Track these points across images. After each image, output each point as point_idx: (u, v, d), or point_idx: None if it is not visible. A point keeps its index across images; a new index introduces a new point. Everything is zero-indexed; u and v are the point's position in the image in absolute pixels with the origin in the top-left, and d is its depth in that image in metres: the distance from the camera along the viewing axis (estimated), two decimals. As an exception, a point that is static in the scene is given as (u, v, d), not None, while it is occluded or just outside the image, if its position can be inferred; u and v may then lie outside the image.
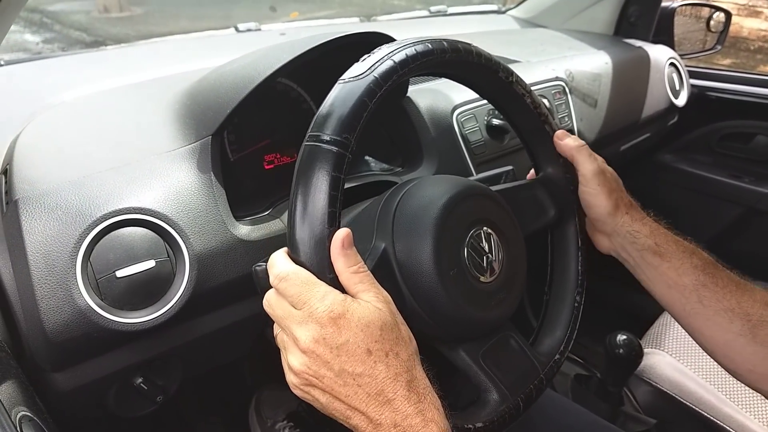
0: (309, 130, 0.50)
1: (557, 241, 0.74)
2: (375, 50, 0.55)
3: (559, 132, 0.70)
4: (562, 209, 0.72)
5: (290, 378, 0.48)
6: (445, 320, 0.56)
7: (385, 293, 0.49)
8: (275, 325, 0.50)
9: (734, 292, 0.63)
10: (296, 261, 0.49)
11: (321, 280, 0.47)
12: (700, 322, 0.64)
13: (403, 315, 0.51)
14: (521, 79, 0.67)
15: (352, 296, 0.48)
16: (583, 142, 0.70)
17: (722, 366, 0.65)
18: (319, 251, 0.48)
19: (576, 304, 0.70)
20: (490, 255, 0.59)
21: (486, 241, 0.59)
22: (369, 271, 0.49)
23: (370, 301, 0.47)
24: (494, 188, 0.67)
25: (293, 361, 0.47)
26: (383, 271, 0.55)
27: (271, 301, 0.49)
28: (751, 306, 0.62)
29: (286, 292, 0.48)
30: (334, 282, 0.48)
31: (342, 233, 0.48)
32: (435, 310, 0.56)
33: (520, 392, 0.60)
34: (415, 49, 0.55)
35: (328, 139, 0.49)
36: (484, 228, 0.60)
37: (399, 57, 0.54)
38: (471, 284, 0.57)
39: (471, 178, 0.82)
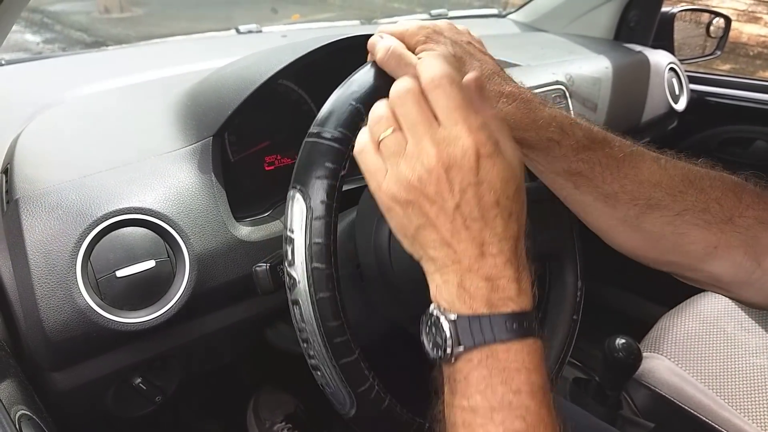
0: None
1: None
2: None
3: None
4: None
5: (389, 185, 0.41)
6: (401, 302, 0.58)
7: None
8: (381, 122, 0.42)
9: (615, 174, 0.54)
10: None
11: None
12: (578, 208, 0.58)
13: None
14: None
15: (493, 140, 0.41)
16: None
17: (613, 245, 0.58)
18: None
19: (575, 318, 0.68)
20: None
21: None
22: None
23: (515, 156, 0.41)
24: None
25: (408, 170, 0.40)
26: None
27: (404, 98, 0.41)
28: (636, 188, 0.54)
29: (438, 100, 0.41)
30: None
31: (472, 76, 0.43)
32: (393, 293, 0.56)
33: None
34: None
35: (329, 136, 0.48)
36: None
37: None
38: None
39: None
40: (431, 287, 0.42)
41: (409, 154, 0.41)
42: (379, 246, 0.60)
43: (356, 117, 0.48)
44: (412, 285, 0.55)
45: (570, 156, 0.54)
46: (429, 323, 0.42)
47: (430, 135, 0.40)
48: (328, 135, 0.48)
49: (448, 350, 0.40)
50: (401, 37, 0.52)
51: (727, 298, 1.12)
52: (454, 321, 0.40)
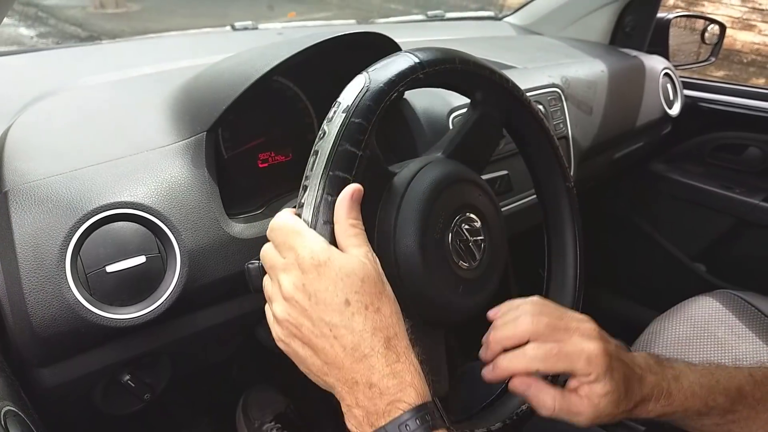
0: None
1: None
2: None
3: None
4: None
5: (274, 329, 0.48)
6: (424, 303, 0.57)
7: (375, 255, 0.49)
8: (265, 277, 0.50)
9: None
10: (297, 214, 0.50)
11: (314, 228, 0.48)
12: None
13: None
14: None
15: (343, 248, 0.47)
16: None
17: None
18: (318, 198, 0.49)
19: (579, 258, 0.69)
20: (475, 239, 0.60)
21: (470, 226, 0.60)
22: (364, 231, 0.49)
23: (357, 255, 0.47)
24: (450, 142, 0.67)
25: (276, 309, 0.47)
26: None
27: (265, 251, 0.50)
28: None
29: (275, 240, 0.48)
30: (327, 231, 0.48)
31: (354, 186, 0.48)
32: (415, 292, 0.56)
33: None
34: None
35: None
36: (470, 214, 0.61)
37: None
38: (452, 269, 0.58)
39: None
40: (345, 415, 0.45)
41: (275, 295, 0.47)
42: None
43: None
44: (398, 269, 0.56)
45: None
46: None
47: (279, 269, 0.47)
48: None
49: None
50: None
51: (717, 303, 1.13)
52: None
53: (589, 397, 0.53)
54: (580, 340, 0.53)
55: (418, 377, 0.45)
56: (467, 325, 0.62)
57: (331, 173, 0.49)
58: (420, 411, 0.43)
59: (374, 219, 0.57)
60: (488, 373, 0.55)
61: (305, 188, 0.50)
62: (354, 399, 0.44)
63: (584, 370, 0.52)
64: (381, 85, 0.53)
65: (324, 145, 0.50)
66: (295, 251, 0.46)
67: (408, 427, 0.42)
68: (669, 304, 1.17)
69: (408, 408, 0.43)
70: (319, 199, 0.49)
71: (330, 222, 0.48)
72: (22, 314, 0.56)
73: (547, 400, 0.53)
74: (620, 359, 0.54)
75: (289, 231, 0.47)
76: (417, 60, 0.56)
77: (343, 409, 0.45)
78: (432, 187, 0.57)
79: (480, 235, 0.61)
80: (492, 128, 0.69)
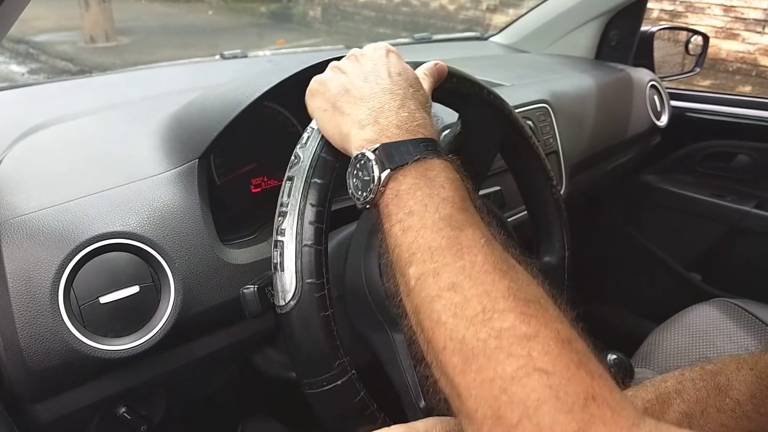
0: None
1: None
2: None
3: None
4: None
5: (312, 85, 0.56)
6: None
7: None
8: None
9: None
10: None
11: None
12: None
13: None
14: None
15: None
16: None
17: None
18: (298, 224, 0.50)
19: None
20: None
21: None
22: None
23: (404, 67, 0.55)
24: None
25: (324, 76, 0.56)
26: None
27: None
28: None
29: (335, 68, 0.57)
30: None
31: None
32: None
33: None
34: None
35: None
36: None
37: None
38: None
39: None
40: (355, 143, 0.48)
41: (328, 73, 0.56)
42: (369, 275, 0.60)
43: None
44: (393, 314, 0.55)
45: None
46: (355, 166, 0.47)
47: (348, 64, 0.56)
48: None
49: (376, 178, 0.44)
50: None
51: (714, 312, 1.13)
52: (377, 149, 0.45)
53: None
54: None
55: (434, 128, 0.49)
56: None
57: (308, 202, 0.50)
58: (435, 143, 0.47)
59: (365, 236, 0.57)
60: None
61: (283, 215, 0.50)
62: (379, 120, 0.48)
63: None
64: None
65: (298, 173, 0.51)
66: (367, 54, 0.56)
67: (428, 147, 0.46)
68: (666, 315, 1.17)
69: (429, 136, 0.47)
70: (299, 226, 0.49)
71: (312, 245, 0.48)
72: (15, 349, 0.56)
73: None
74: None
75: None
76: None
77: (359, 134, 0.48)
78: None
79: None
80: (489, 143, 0.69)
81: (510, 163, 0.74)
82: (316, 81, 0.56)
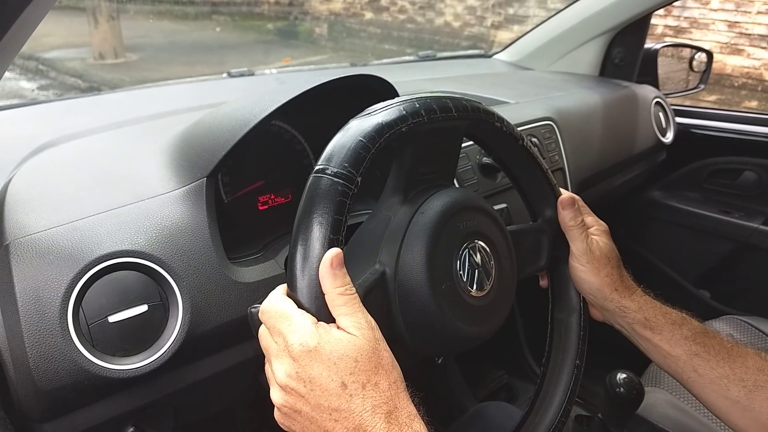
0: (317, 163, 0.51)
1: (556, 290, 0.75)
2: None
3: (561, 199, 0.72)
4: (558, 252, 0.73)
5: (275, 413, 0.49)
6: (432, 334, 0.56)
7: (369, 318, 0.48)
8: (265, 359, 0.51)
9: (726, 359, 0.64)
10: (289, 294, 0.49)
11: (304, 308, 0.48)
12: (698, 389, 0.66)
13: (392, 335, 0.51)
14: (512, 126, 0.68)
15: (335, 318, 0.47)
16: (575, 222, 0.71)
17: (729, 427, 0.66)
18: (307, 275, 0.48)
19: (576, 371, 0.70)
20: (482, 269, 0.60)
21: (479, 254, 0.60)
22: (356, 295, 0.48)
23: (348, 327, 0.47)
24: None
25: (273, 395, 0.48)
26: (377, 290, 0.55)
27: (260, 333, 0.50)
28: (744, 372, 0.63)
29: (266, 323, 0.49)
30: (319, 306, 0.47)
31: (332, 253, 0.47)
32: (424, 323, 0.55)
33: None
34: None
35: (332, 172, 0.49)
36: (479, 242, 0.60)
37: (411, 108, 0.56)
38: (462, 298, 0.57)
39: None
40: None
41: (271, 381, 0.48)
42: None
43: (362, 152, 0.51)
44: (404, 302, 0.55)
45: (690, 339, 0.66)
46: None
47: (273, 356, 0.48)
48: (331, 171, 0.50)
49: None
50: None
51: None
52: None
53: (589, 236, 0.70)
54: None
55: None
56: (471, 351, 0.62)
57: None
58: None
59: (378, 247, 0.57)
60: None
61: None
62: None
63: (595, 222, 0.72)
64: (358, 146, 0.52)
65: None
66: (284, 338, 0.46)
67: None
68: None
69: None
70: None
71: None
72: (24, 368, 0.56)
73: (573, 218, 0.71)
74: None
75: (277, 315, 0.48)
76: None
77: None
78: (440, 214, 0.57)
79: (490, 263, 0.61)
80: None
81: (516, 182, 0.74)
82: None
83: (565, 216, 0.71)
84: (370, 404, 0.45)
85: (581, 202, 0.73)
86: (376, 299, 0.54)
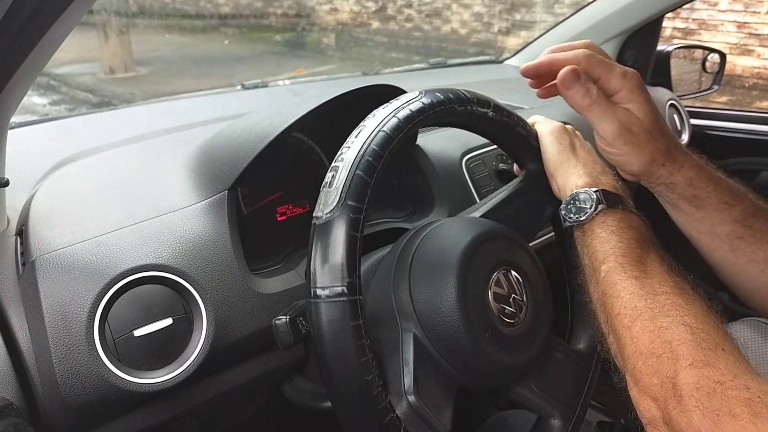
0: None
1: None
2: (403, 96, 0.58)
3: (561, 76, 0.60)
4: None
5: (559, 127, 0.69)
6: (469, 366, 0.55)
7: None
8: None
9: None
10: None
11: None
12: (728, 269, 0.64)
13: (427, 367, 0.51)
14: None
15: None
16: (590, 100, 0.59)
17: (750, 308, 0.65)
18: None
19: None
20: (515, 296, 0.59)
21: (510, 282, 0.59)
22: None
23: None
24: (489, 204, 0.68)
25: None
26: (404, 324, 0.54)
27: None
28: None
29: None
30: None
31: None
32: (459, 357, 0.55)
33: (578, 402, 0.64)
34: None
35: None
36: (509, 270, 0.59)
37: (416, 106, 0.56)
38: (497, 328, 0.56)
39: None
40: (573, 180, 0.63)
41: None
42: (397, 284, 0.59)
43: None
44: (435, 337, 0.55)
45: (738, 221, 0.62)
46: (573, 198, 0.61)
47: None
48: None
49: (591, 210, 0.59)
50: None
51: (745, 331, 1.10)
52: (598, 191, 0.60)
53: (619, 109, 0.60)
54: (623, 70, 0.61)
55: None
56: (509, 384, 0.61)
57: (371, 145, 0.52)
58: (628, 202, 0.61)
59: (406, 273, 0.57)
60: (531, 64, 0.65)
61: (347, 148, 0.52)
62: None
63: (619, 84, 0.60)
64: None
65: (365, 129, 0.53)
66: None
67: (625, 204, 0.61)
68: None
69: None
70: (359, 156, 0.51)
71: (364, 175, 0.50)
72: (52, 384, 0.56)
73: (586, 96, 0.59)
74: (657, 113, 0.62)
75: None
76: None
77: (578, 178, 0.63)
78: (469, 243, 0.57)
79: (522, 291, 0.60)
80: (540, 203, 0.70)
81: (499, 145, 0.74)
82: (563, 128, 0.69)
83: (574, 97, 0.59)
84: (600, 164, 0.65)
85: (594, 55, 0.60)
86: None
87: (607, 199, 0.59)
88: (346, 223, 0.49)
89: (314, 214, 0.51)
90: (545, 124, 0.71)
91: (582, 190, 0.61)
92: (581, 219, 0.60)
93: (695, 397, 0.43)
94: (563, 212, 0.62)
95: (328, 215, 0.49)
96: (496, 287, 0.57)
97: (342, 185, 0.50)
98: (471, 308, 0.55)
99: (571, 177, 0.63)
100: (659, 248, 0.58)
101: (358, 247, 0.49)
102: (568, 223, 0.61)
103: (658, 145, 0.60)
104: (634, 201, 0.66)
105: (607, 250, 0.56)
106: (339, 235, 0.49)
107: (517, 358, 0.58)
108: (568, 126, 0.72)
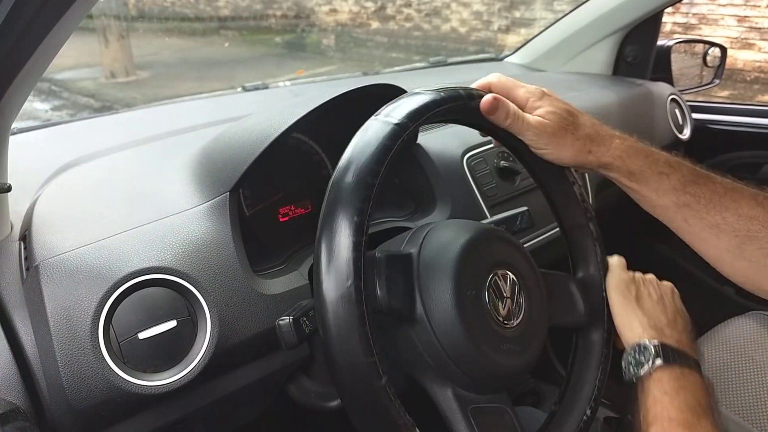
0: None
1: (581, 348, 0.71)
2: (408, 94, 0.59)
3: (482, 105, 0.61)
4: (592, 313, 0.70)
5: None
6: (465, 362, 0.56)
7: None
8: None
9: (718, 207, 0.62)
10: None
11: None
12: (689, 238, 0.65)
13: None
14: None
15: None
16: (509, 110, 0.62)
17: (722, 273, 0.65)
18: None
19: (585, 419, 0.66)
20: (511, 299, 0.59)
21: (506, 284, 0.59)
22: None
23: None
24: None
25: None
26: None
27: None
28: (736, 221, 0.61)
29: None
30: None
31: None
32: (456, 353, 0.55)
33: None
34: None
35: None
36: (505, 271, 0.60)
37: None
38: (492, 327, 0.57)
39: (488, 220, 0.82)
40: (637, 333, 0.64)
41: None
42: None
43: None
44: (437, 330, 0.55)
45: (678, 189, 0.63)
46: (634, 350, 0.62)
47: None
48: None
49: (648, 364, 0.60)
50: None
51: (751, 325, 1.10)
52: (657, 345, 0.61)
53: (532, 117, 0.62)
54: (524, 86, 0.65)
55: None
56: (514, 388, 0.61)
57: None
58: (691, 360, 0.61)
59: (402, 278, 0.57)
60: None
61: None
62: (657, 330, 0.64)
63: (523, 96, 0.64)
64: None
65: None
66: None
67: (689, 361, 0.62)
68: (701, 330, 1.15)
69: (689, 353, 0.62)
70: None
71: None
72: (58, 387, 0.56)
73: (507, 116, 0.61)
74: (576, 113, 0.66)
75: None
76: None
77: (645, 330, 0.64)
78: (464, 245, 0.57)
79: (518, 292, 0.60)
80: None
81: (542, 188, 0.74)
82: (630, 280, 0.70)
83: (497, 120, 0.62)
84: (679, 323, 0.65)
85: (506, 83, 0.65)
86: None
87: (665, 354, 0.61)
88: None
89: None
90: (614, 274, 0.70)
91: (643, 342, 0.63)
92: (639, 374, 0.61)
93: None
94: (624, 365, 0.63)
95: None
96: (493, 288, 0.58)
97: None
98: (467, 307, 0.55)
99: (635, 330, 0.65)
100: (714, 412, 0.59)
101: (363, 246, 0.49)
102: (627, 377, 0.63)
103: (576, 136, 0.64)
104: (624, 199, 0.67)
105: (656, 413, 0.58)
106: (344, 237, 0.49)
107: (514, 360, 0.58)
108: (637, 275, 0.72)
